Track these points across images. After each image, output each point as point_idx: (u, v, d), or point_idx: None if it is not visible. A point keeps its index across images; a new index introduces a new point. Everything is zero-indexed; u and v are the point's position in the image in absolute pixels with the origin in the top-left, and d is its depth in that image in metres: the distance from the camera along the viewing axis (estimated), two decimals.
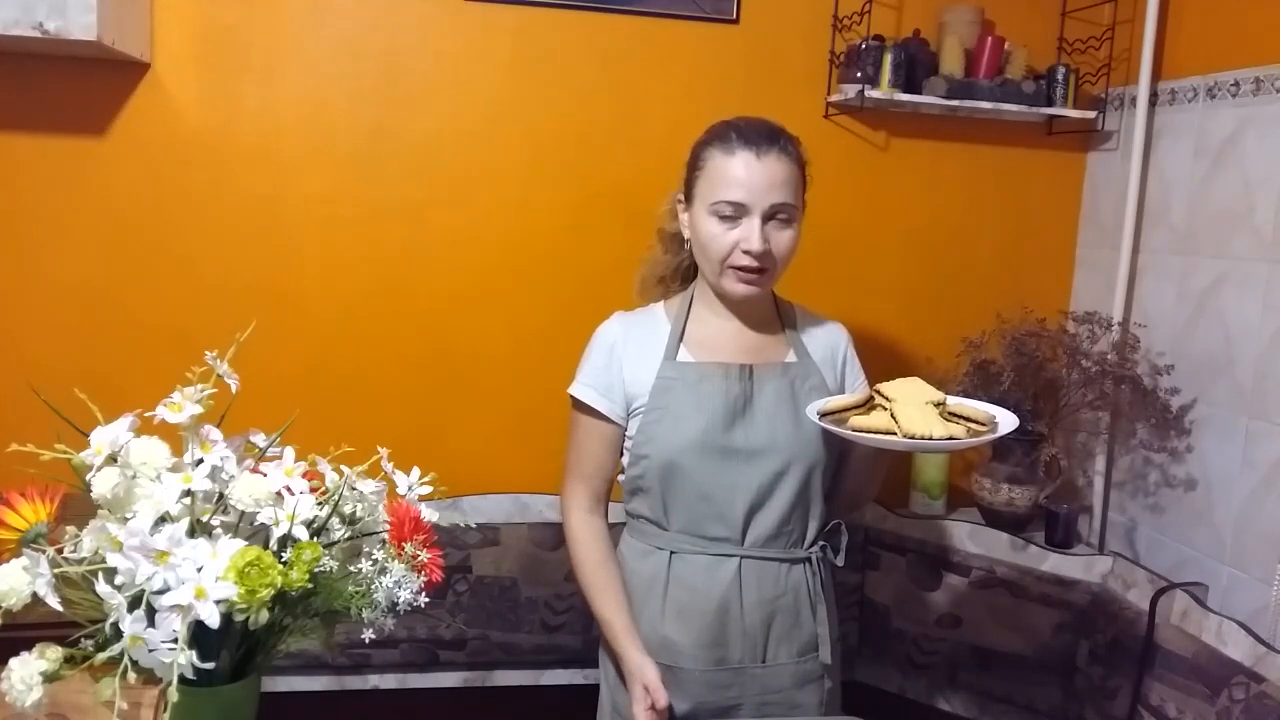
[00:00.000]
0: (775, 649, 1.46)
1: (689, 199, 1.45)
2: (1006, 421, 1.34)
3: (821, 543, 1.49)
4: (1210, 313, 1.94)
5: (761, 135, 1.39)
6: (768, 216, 1.37)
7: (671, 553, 1.45)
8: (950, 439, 1.28)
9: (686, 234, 1.47)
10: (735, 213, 1.37)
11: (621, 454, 1.50)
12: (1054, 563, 1.96)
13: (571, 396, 1.49)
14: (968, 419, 1.32)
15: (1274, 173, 1.80)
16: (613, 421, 1.47)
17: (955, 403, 1.35)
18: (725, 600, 1.43)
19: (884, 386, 1.38)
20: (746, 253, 1.37)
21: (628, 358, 1.46)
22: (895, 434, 1.28)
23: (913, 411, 1.30)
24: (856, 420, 1.32)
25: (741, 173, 1.37)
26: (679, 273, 1.57)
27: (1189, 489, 1.98)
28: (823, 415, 1.35)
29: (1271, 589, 1.73)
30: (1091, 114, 2.16)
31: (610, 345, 1.48)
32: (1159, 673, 1.72)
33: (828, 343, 1.54)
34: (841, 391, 1.52)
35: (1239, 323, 1.87)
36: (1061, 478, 2.13)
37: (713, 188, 1.39)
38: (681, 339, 1.47)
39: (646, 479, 1.44)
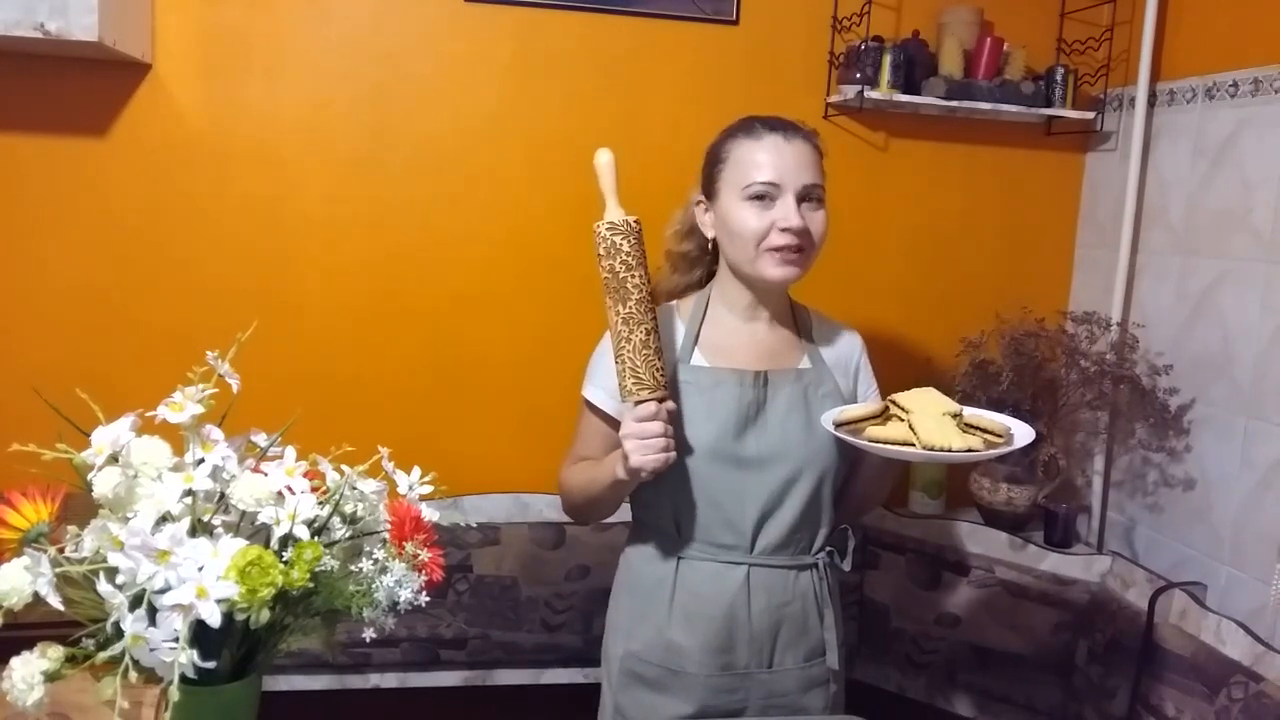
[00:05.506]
0: (782, 654, 1.45)
1: (711, 195, 1.44)
2: (1022, 434, 1.35)
3: (829, 548, 1.49)
4: (1209, 313, 1.94)
5: (785, 123, 1.40)
6: (801, 197, 1.37)
7: (679, 558, 1.44)
8: (969, 451, 1.29)
9: (710, 234, 1.45)
10: (769, 193, 1.37)
11: None
12: (1053, 562, 1.96)
13: (584, 399, 1.48)
14: (984, 430, 1.33)
15: (1272, 173, 1.80)
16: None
17: (971, 414, 1.36)
18: (733, 607, 1.42)
19: (899, 397, 1.38)
20: (785, 230, 1.36)
21: None
22: (913, 445, 1.29)
23: (931, 424, 1.30)
24: (873, 431, 1.33)
25: (772, 154, 1.37)
26: (689, 288, 1.55)
27: (1187, 489, 1.98)
28: (838, 425, 1.36)
29: (1270, 588, 1.74)
30: (1090, 115, 2.17)
31: None
32: (1158, 672, 1.72)
33: (842, 349, 1.53)
34: (854, 399, 1.51)
35: (1237, 323, 1.87)
36: (1060, 477, 2.13)
37: (743, 173, 1.38)
38: (696, 342, 1.46)
39: (656, 484, 1.41)
